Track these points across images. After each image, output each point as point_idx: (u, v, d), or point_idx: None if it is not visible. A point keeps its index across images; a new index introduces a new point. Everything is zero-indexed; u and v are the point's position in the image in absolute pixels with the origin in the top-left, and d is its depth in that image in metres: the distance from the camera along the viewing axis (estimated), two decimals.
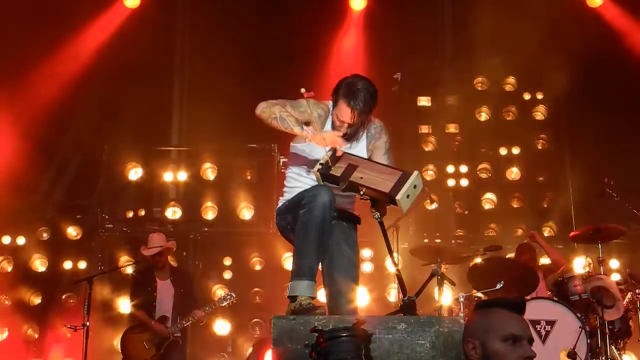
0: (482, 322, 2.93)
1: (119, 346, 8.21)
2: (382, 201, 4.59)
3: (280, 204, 5.11)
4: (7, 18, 9.87)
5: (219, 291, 9.97)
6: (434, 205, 10.32)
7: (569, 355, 7.05)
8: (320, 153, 4.73)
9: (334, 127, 4.89)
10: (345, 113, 4.76)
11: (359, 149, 4.98)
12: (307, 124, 4.75)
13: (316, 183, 4.78)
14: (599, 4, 10.49)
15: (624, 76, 10.45)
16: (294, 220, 4.77)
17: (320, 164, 4.66)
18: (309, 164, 4.91)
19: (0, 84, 9.51)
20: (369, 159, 4.87)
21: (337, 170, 4.61)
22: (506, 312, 2.91)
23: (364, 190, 4.56)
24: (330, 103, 4.96)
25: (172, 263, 9.16)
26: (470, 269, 7.90)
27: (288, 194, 5.06)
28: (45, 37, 10.06)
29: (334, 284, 4.94)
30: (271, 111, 4.71)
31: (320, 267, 4.87)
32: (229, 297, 8.53)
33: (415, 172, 4.53)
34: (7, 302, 9.70)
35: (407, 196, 4.45)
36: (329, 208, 4.63)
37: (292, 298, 4.66)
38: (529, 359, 2.86)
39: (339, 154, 4.67)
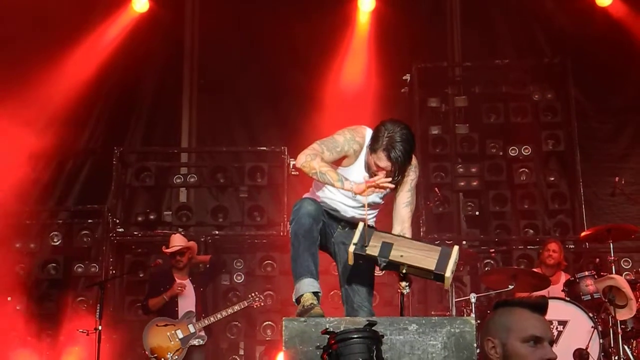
0: (502, 321, 2.90)
1: (143, 338, 8.22)
2: (421, 278, 4.65)
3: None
4: (18, 23, 9.92)
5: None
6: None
7: (580, 356, 7.02)
8: (358, 178, 4.78)
9: (367, 167, 4.89)
10: (385, 163, 4.76)
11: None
12: (345, 157, 4.89)
13: (343, 198, 4.91)
14: (607, 3, 10.43)
15: (634, 76, 10.42)
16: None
17: (354, 243, 4.66)
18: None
19: (11, 89, 9.53)
20: (398, 235, 4.85)
21: (373, 250, 4.61)
22: (528, 312, 2.88)
23: (405, 268, 4.58)
24: (367, 130, 4.96)
25: None
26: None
27: (310, 194, 5.15)
28: (55, 43, 10.10)
29: (350, 286, 5.05)
30: (311, 166, 4.74)
31: (335, 272, 5.03)
32: (257, 298, 8.73)
33: (456, 247, 4.61)
34: (18, 307, 9.70)
35: (452, 272, 4.52)
36: (315, 213, 4.86)
37: (298, 301, 4.79)
38: None
39: (384, 185, 4.68)
